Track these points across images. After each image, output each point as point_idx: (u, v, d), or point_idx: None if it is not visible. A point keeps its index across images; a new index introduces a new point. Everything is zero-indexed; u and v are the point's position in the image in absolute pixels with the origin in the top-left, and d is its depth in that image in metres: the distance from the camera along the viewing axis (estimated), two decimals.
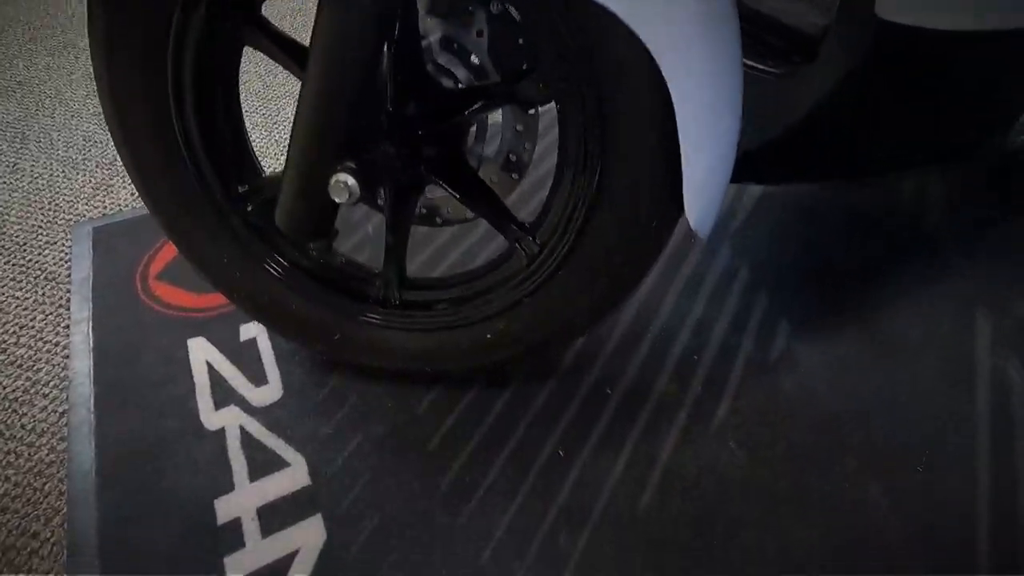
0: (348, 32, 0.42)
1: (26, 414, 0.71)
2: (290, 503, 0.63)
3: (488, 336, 0.65)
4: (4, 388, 0.73)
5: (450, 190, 0.59)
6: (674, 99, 0.45)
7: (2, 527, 0.61)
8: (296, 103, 0.47)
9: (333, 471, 0.66)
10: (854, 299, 0.85)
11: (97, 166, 1.09)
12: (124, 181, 1.05)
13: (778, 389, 0.74)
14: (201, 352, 0.77)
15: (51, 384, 0.74)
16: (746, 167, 0.56)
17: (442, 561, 0.59)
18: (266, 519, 0.62)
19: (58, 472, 0.65)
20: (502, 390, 0.73)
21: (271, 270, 0.64)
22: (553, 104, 0.56)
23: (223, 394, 0.73)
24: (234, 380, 0.74)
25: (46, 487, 0.64)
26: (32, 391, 0.73)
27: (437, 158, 0.58)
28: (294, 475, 0.65)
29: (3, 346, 0.78)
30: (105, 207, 1.00)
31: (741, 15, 0.48)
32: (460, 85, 0.56)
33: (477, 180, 0.61)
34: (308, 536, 0.61)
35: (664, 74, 0.44)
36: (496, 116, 0.62)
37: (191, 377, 0.74)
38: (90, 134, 1.16)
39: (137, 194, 1.00)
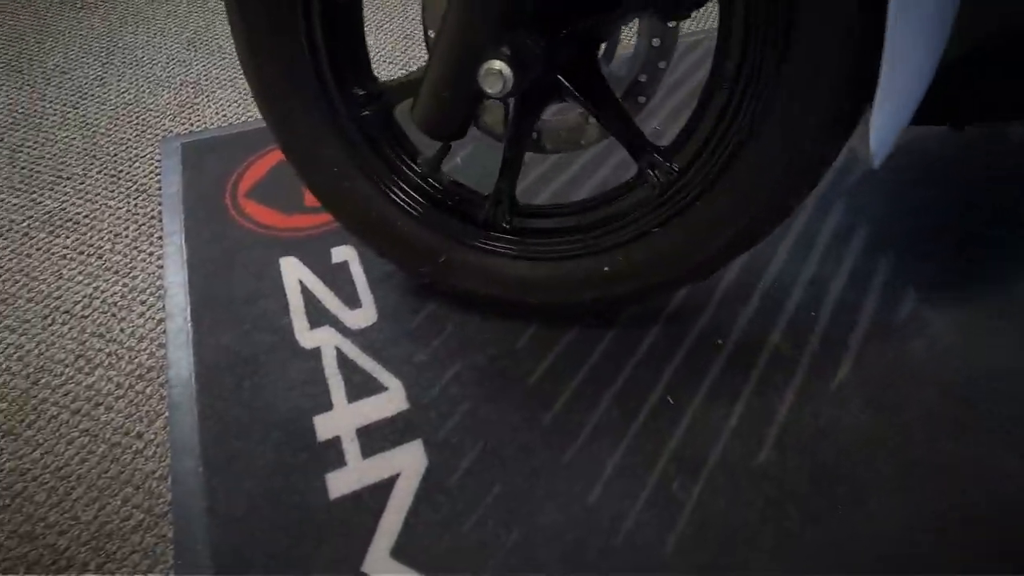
0: None
1: (124, 319, 0.70)
2: (389, 426, 0.61)
3: (606, 269, 0.60)
4: (103, 292, 0.73)
5: (584, 102, 0.54)
6: None
7: (107, 425, 0.61)
8: None
9: (431, 397, 0.64)
10: (985, 262, 0.77)
11: (182, 84, 1.07)
12: (208, 100, 1.03)
13: (905, 351, 0.68)
14: (293, 271, 0.75)
15: (147, 291, 0.73)
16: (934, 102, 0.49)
17: (547, 496, 0.56)
18: (366, 440, 0.60)
19: (158, 377, 0.65)
20: (605, 330, 0.69)
21: (380, 185, 0.61)
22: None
23: (317, 314, 0.71)
24: (328, 301, 0.72)
25: (147, 390, 0.64)
26: (129, 297, 0.73)
27: (574, 65, 0.53)
28: (392, 399, 0.63)
29: (100, 252, 0.78)
30: (191, 124, 0.98)
31: None
32: None
33: (611, 95, 0.56)
34: (409, 460, 0.59)
35: None
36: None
37: (284, 295, 0.73)
38: (174, 53, 1.14)
39: (222, 113, 0.98)
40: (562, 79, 0.53)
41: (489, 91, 0.45)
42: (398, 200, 0.62)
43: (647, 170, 0.57)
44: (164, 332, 0.69)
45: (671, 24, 0.56)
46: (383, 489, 0.57)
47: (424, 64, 0.52)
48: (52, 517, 0.54)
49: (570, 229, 0.62)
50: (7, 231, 0.80)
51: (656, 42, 0.58)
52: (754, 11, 0.46)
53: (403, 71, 0.88)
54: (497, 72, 0.44)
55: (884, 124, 0.45)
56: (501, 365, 0.66)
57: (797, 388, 0.65)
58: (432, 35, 0.58)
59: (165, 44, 1.17)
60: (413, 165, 0.62)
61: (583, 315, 0.70)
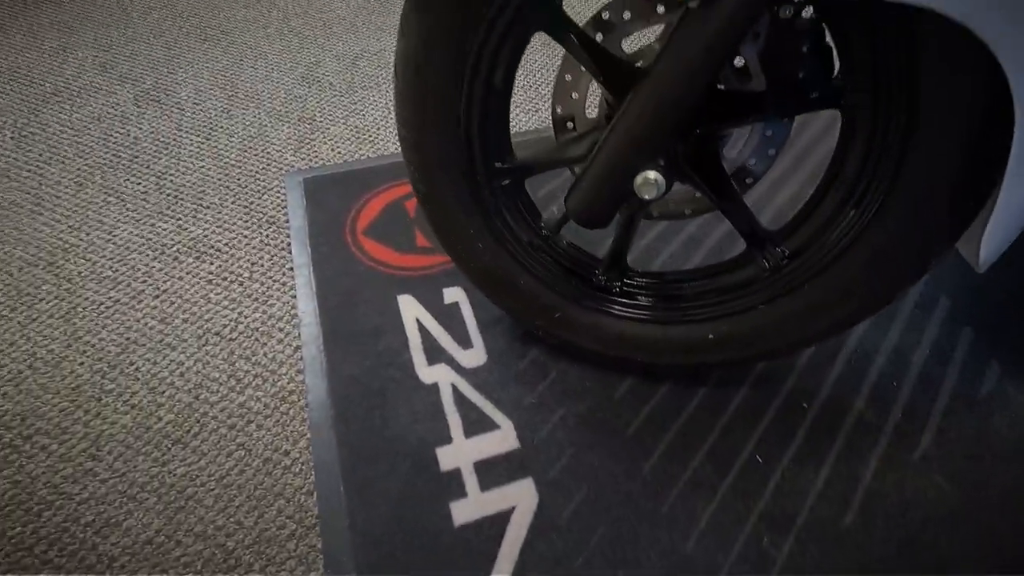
0: (710, 43, 0.43)
1: (266, 344, 0.80)
2: (503, 463, 0.68)
3: (710, 336, 0.66)
4: (246, 318, 0.83)
5: (703, 186, 0.60)
6: (1017, 107, 0.43)
7: (259, 441, 0.70)
8: (626, 101, 0.49)
9: (540, 439, 0.70)
10: None
11: (299, 120, 1.17)
12: (324, 136, 1.13)
13: (988, 426, 0.72)
14: (410, 309, 0.84)
15: (283, 320, 0.83)
16: None
17: (648, 543, 0.62)
18: (483, 474, 0.67)
19: (299, 400, 0.74)
20: (698, 387, 0.75)
21: (507, 245, 0.68)
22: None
23: (434, 352, 0.79)
24: (442, 339, 0.80)
25: (290, 412, 0.72)
26: (268, 324, 0.82)
27: (699, 157, 0.59)
28: (504, 437, 0.71)
29: (240, 279, 0.88)
30: (310, 159, 1.08)
31: None
32: (747, 88, 0.57)
33: (727, 180, 0.62)
34: (522, 496, 0.66)
35: (1009, 79, 0.42)
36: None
37: (403, 331, 0.81)
38: (290, 88, 1.25)
39: (336, 150, 1.07)
40: (686, 167, 0.59)
41: (645, 197, 0.52)
42: (522, 260, 0.69)
43: (756, 252, 0.62)
44: (301, 359, 0.78)
45: (786, 120, 0.62)
46: (501, 520, 0.64)
47: (578, 152, 0.59)
48: (220, 520, 0.63)
49: (678, 297, 0.68)
50: (161, 255, 0.91)
51: (769, 132, 0.63)
52: (877, 124, 0.52)
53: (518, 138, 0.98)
54: (653, 181, 0.51)
55: (998, 234, 0.50)
56: (601, 415, 0.73)
57: (881, 455, 0.69)
58: (559, 111, 0.65)
59: (282, 79, 1.28)
60: (538, 229, 0.69)
61: (677, 371, 0.76)
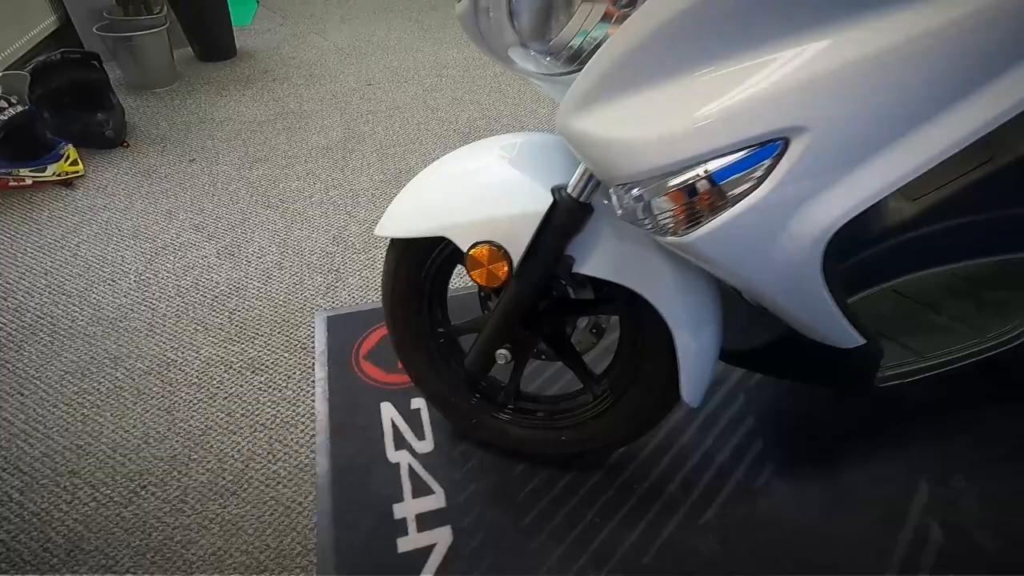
0: (519, 295, 0.90)
1: (292, 431, 1.23)
2: (434, 515, 1.08)
3: (563, 438, 1.08)
4: (282, 414, 1.27)
5: (552, 354, 1.04)
6: (669, 327, 0.86)
7: (284, 494, 1.11)
8: (493, 306, 0.96)
9: (459, 501, 1.10)
10: (829, 451, 1.18)
11: (328, 271, 1.68)
12: (344, 284, 1.63)
13: (756, 507, 1.10)
14: (388, 412, 1.27)
15: (306, 416, 1.26)
16: (735, 359, 0.96)
17: (519, 570, 1.00)
18: (420, 522, 1.07)
19: (311, 469, 1.15)
20: (567, 472, 1.15)
21: (443, 376, 1.12)
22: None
23: (400, 441, 1.21)
24: (406, 434, 1.22)
25: (303, 477, 1.14)
26: (296, 418, 1.26)
27: (550, 335, 1.04)
28: (437, 499, 1.11)
29: (280, 387, 1.33)
30: (334, 301, 1.57)
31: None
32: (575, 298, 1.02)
33: (572, 349, 1.06)
34: (443, 537, 1.05)
35: (662, 313, 0.86)
36: None
37: (381, 427, 1.24)
38: (324, 246, 1.77)
39: (352, 295, 1.55)
40: (543, 344, 1.04)
41: (499, 362, 0.97)
42: (453, 385, 1.13)
43: (588, 387, 1.06)
44: (314, 442, 1.20)
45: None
46: (427, 551, 1.03)
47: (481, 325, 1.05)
48: (249, 537, 1.03)
49: (547, 413, 1.11)
50: (229, 368, 1.37)
51: (603, 318, 1.09)
52: (628, 352, 0.96)
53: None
54: (503, 354, 0.96)
55: (689, 388, 0.92)
56: (502, 487, 1.13)
57: (678, 521, 1.07)
58: (482, 295, 1.11)
59: (319, 239, 1.81)
60: (461, 368, 1.13)
61: (556, 459, 1.16)
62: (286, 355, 1.42)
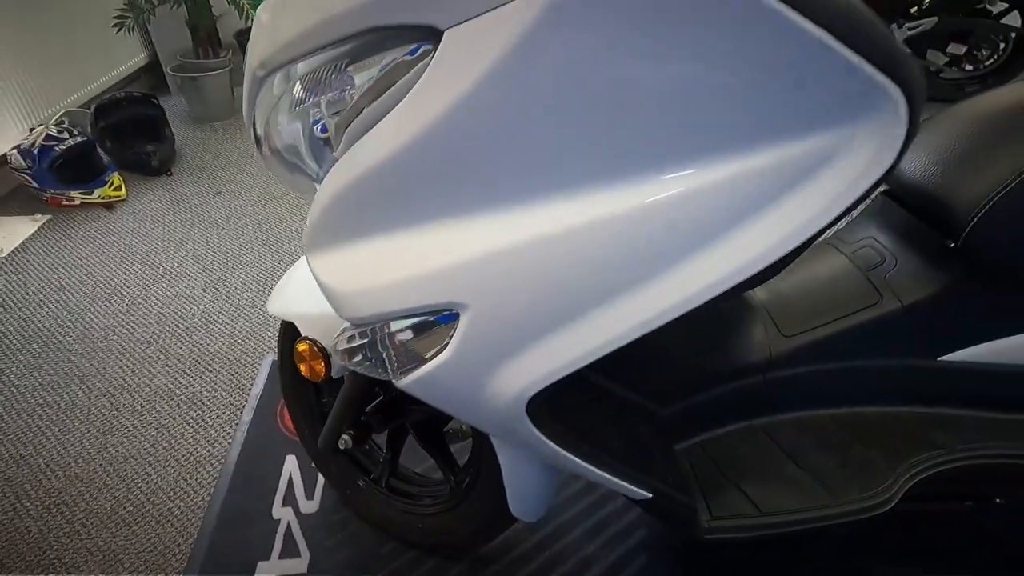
0: (362, 390, 0.93)
1: (200, 469, 1.31)
2: None
3: (420, 525, 1.08)
4: (198, 451, 1.36)
5: (423, 444, 1.06)
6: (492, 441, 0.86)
7: (161, 539, 1.19)
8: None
9: (320, 570, 1.13)
10: None
11: None
12: None
13: None
14: (290, 465, 1.33)
15: (217, 456, 1.35)
16: None
17: None
18: None
19: (199, 514, 1.23)
20: (432, 557, 1.14)
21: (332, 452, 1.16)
22: None
23: (288, 497, 1.26)
24: (298, 490, 1.27)
25: (196, 505, 1.22)
26: (208, 455, 1.34)
27: (423, 426, 1.05)
28: (300, 563, 1.14)
29: (206, 426, 1.43)
30: None
31: None
32: None
33: (443, 441, 1.07)
34: None
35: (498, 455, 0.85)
36: None
37: (279, 480, 1.29)
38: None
39: None
40: (412, 430, 1.05)
41: (341, 447, 1.00)
42: (331, 457, 1.16)
43: (446, 476, 1.06)
44: (215, 485, 1.28)
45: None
46: None
47: None
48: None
49: (413, 495, 1.12)
50: (169, 400, 1.49)
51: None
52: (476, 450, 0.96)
53: None
54: (345, 440, 0.98)
55: (517, 502, 0.90)
56: (366, 561, 1.14)
57: None
58: None
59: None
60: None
61: (424, 546, 1.16)
62: (224, 394, 1.52)
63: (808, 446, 0.88)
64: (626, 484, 0.69)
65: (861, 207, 0.52)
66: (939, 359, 0.87)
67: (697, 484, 0.86)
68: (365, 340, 0.59)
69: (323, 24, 0.45)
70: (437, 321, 0.54)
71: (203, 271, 1.97)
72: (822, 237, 0.49)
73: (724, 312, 0.92)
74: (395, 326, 0.56)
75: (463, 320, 0.52)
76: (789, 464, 0.87)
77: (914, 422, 0.90)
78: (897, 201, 0.92)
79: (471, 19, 0.40)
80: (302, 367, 0.88)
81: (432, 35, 0.42)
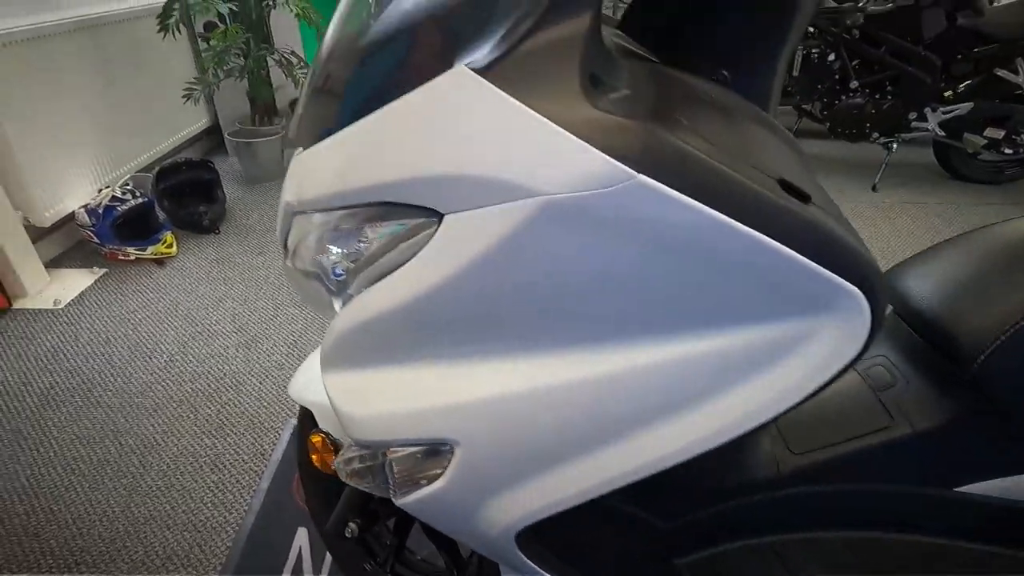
0: None
1: (217, 535, 1.34)
2: None
3: None
4: (214, 518, 1.39)
5: (425, 531, 1.07)
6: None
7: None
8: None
9: None
10: None
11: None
12: None
13: None
14: (301, 538, 1.34)
15: (231, 523, 1.38)
16: None
17: None
18: None
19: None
20: None
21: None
22: None
23: (296, 571, 1.27)
24: (306, 564, 1.28)
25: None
26: (224, 523, 1.38)
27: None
28: None
29: (225, 490, 1.47)
30: None
31: None
32: None
33: None
34: None
35: None
36: None
37: (288, 554, 1.31)
38: None
39: None
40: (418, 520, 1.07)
41: (347, 535, 1.01)
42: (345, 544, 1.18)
43: (449, 571, 1.06)
44: (225, 555, 1.31)
45: None
46: None
47: None
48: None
49: None
50: (193, 462, 1.54)
51: None
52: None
53: None
54: (352, 528, 1.00)
55: None
56: None
57: None
58: None
59: None
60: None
61: None
62: (246, 458, 1.56)
63: (816, 569, 0.86)
64: None
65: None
66: (955, 489, 0.85)
67: None
68: (368, 463, 0.63)
69: (344, 192, 0.51)
70: (435, 450, 0.57)
71: (238, 331, 2.07)
72: None
73: None
74: (396, 452, 0.59)
75: (457, 453, 0.55)
76: None
77: (932, 553, 0.87)
78: (907, 323, 0.92)
79: (469, 210, 0.45)
80: (314, 457, 0.92)
81: (436, 214, 0.47)
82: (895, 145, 3.18)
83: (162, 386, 1.81)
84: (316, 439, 0.91)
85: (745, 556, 0.89)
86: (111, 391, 1.79)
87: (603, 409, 0.51)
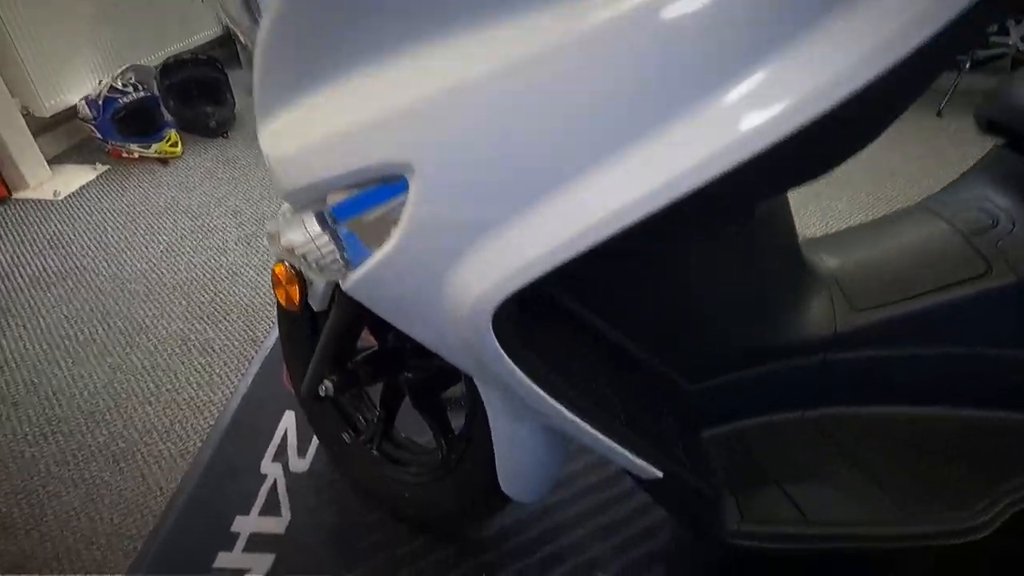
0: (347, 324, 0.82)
1: (195, 417, 1.26)
2: (267, 539, 1.02)
3: (405, 495, 0.96)
4: (198, 396, 1.30)
5: (416, 405, 0.94)
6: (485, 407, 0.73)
7: (146, 479, 1.13)
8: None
9: (299, 531, 1.04)
10: None
11: None
12: None
13: None
14: (287, 421, 1.24)
15: (218, 404, 1.29)
16: None
17: None
18: (250, 542, 1.02)
19: (187, 459, 1.17)
20: (420, 535, 1.02)
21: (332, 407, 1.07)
22: None
23: (279, 453, 1.17)
24: (291, 447, 1.19)
25: (179, 463, 1.16)
26: (207, 404, 1.29)
27: (419, 389, 0.93)
28: (279, 523, 1.05)
29: (212, 372, 1.37)
30: None
31: None
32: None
33: (437, 398, 0.95)
34: (262, 564, 0.99)
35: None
36: None
37: (273, 433, 1.22)
38: None
39: None
40: (408, 390, 0.94)
41: (321, 394, 0.89)
42: (321, 411, 1.07)
43: (437, 442, 0.93)
44: (212, 427, 1.22)
45: None
46: (238, 573, 0.97)
47: None
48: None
49: (403, 461, 1.00)
50: (183, 345, 1.45)
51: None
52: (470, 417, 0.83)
53: None
54: (327, 386, 0.88)
55: (509, 480, 0.76)
56: (346, 530, 1.04)
57: None
58: None
59: None
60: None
61: (415, 521, 1.04)
62: (237, 343, 1.47)
63: (873, 448, 0.70)
64: (627, 453, 0.54)
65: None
66: None
67: (726, 478, 0.69)
68: (303, 224, 0.48)
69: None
70: (384, 195, 0.42)
71: (238, 226, 1.95)
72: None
73: (781, 273, 0.75)
74: (332, 200, 0.45)
75: (412, 188, 0.40)
76: (848, 467, 0.69)
77: (1021, 434, 0.70)
78: (1019, 152, 0.73)
79: None
80: (278, 292, 0.79)
81: None
82: (967, 64, 2.83)
83: (156, 273, 1.72)
84: (278, 269, 0.77)
85: (787, 430, 0.74)
86: (103, 276, 1.70)
87: (592, 98, 0.34)
